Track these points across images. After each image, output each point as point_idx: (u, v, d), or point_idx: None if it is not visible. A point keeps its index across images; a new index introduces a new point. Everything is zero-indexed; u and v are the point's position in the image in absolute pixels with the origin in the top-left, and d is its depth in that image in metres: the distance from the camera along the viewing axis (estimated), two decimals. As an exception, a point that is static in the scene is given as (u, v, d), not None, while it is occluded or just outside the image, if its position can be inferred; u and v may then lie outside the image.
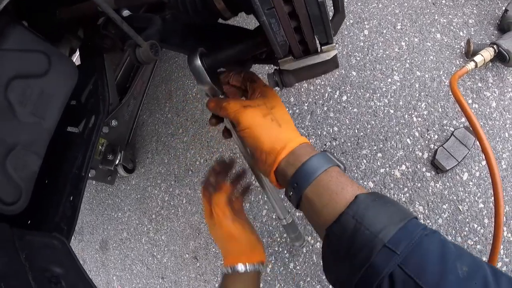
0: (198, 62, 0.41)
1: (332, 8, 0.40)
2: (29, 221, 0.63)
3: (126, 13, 0.74)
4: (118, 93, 1.03)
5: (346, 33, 1.01)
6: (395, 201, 0.33)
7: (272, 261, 0.88)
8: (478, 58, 0.81)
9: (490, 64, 0.87)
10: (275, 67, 0.42)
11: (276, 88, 0.44)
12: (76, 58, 0.99)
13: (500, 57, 0.83)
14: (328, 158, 0.36)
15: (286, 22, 0.34)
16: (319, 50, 0.37)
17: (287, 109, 1.00)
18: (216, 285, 0.92)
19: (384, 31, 0.98)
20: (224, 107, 0.40)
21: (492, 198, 0.74)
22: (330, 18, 0.39)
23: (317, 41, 0.37)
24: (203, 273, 0.95)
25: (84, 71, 0.74)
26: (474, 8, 0.95)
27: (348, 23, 1.03)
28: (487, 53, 0.81)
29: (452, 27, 0.94)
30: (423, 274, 0.27)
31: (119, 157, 1.05)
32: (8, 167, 0.50)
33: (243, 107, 0.39)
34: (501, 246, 0.72)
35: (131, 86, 1.08)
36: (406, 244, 0.28)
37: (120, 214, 1.17)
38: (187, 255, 0.99)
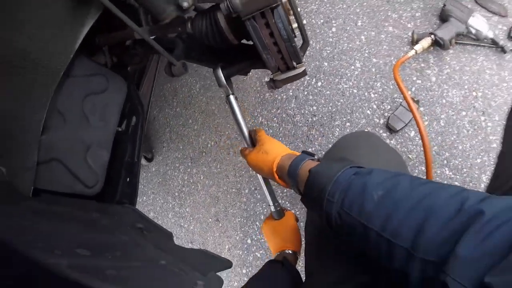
0: (220, 72, 0.66)
1: (301, 38, 0.65)
2: (100, 199, 0.82)
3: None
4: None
5: (318, 31, 1.25)
6: (340, 158, 0.51)
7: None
8: (417, 47, 1.06)
9: (432, 49, 1.12)
10: (270, 77, 0.67)
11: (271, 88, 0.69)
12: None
13: (438, 43, 1.07)
14: (305, 156, 0.52)
15: (275, 56, 0.59)
16: (295, 66, 0.63)
17: (277, 96, 1.24)
18: (237, 238, 1.18)
19: (348, 28, 1.22)
20: (241, 153, 0.64)
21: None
22: (300, 47, 0.63)
23: (294, 62, 0.62)
24: (225, 230, 1.21)
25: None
26: (421, 3, 1.17)
27: (319, 23, 1.26)
28: (425, 42, 1.06)
29: (402, 21, 1.19)
30: (352, 207, 0.37)
31: (140, 148, 1.25)
32: (88, 160, 0.65)
33: (248, 153, 0.61)
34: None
35: (140, 87, 1.26)
36: (340, 192, 0.38)
37: (144, 198, 1.40)
38: (210, 220, 1.25)
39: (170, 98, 1.44)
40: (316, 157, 0.53)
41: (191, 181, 1.31)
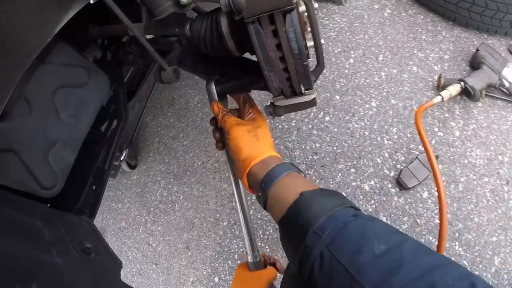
0: (213, 86, 0.56)
1: (316, 60, 0.52)
2: (56, 204, 0.74)
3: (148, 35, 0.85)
4: (124, 96, 1.13)
5: (333, 60, 1.13)
6: (338, 193, 0.40)
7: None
8: (444, 93, 0.93)
9: (458, 97, 0.99)
10: (271, 101, 0.55)
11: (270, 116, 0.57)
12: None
13: (466, 93, 0.95)
14: (290, 166, 0.45)
15: (280, 74, 0.47)
16: (303, 92, 0.51)
17: (277, 123, 1.12)
18: (204, 272, 1.04)
19: (367, 61, 1.10)
20: (224, 120, 0.52)
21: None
22: (312, 69, 0.52)
23: (302, 87, 0.50)
24: (193, 261, 1.07)
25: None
26: (451, 45, 1.07)
27: (336, 51, 1.15)
28: (454, 89, 0.94)
29: (428, 61, 1.06)
30: (342, 251, 0.32)
31: (124, 154, 1.16)
32: (50, 159, 0.59)
33: (236, 123, 0.51)
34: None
35: (137, 91, 1.18)
36: (332, 229, 0.34)
37: (120, 205, 1.29)
38: (180, 245, 1.11)
39: (166, 107, 1.35)
40: (302, 174, 0.46)
41: (170, 199, 1.19)
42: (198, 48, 0.56)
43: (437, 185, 0.76)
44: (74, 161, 0.65)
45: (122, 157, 1.17)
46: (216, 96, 0.56)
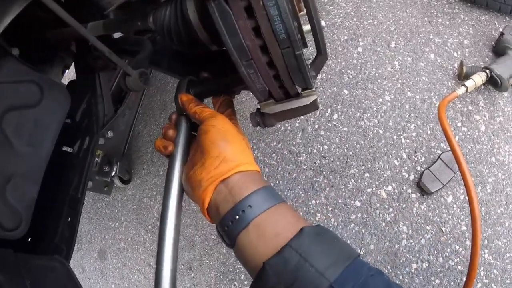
0: (185, 86, 0.45)
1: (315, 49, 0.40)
2: (30, 240, 0.66)
3: (117, 35, 0.74)
4: (113, 103, 1.02)
5: (340, 49, 1.01)
6: (338, 236, 0.33)
7: None
8: (469, 83, 0.81)
9: (482, 87, 0.88)
10: (257, 107, 0.44)
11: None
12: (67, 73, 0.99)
13: (492, 82, 0.83)
14: (277, 193, 0.36)
15: (264, 72, 0.35)
16: (300, 93, 0.39)
17: (279, 125, 1.01)
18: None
19: (378, 49, 0.98)
20: (200, 109, 0.40)
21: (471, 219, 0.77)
22: (312, 60, 0.41)
23: (297, 87, 0.38)
24: (197, 283, 0.99)
25: (79, 87, 0.75)
26: (471, 29, 0.95)
27: (342, 39, 1.03)
28: (479, 78, 0.82)
29: (446, 48, 0.94)
30: None
31: (115, 169, 1.07)
32: (8, 196, 0.52)
33: (220, 113, 0.41)
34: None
35: (126, 96, 1.09)
36: (352, 285, 0.28)
37: (117, 224, 1.20)
38: (182, 266, 1.03)
39: (158, 113, 1.24)
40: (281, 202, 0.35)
41: (167, 215, 1.10)
42: (173, 47, 0.46)
43: (468, 190, 0.66)
44: (44, 189, 0.56)
45: (114, 173, 1.07)
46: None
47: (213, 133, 0.37)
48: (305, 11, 0.39)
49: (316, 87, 0.40)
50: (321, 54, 0.40)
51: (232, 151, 0.36)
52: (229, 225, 0.33)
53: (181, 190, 0.40)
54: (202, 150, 0.37)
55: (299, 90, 0.38)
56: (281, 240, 0.31)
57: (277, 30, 0.31)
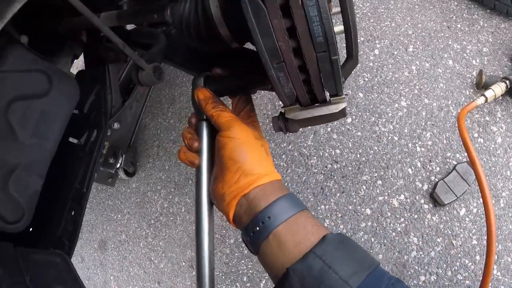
0: (201, 83, 0.43)
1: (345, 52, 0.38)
2: (31, 231, 0.64)
3: (130, 26, 0.72)
4: (121, 94, 1.00)
5: (356, 52, 0.99)
6: (359, 245, 0.34)
7: None
8: (489, 93, 0.79)
9: (500, 98, 0.85)
10: (281, 111, 0.42)
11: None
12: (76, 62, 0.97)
13: (510, 93, 0.81)
14: (298, 201, 0.36)
15: (295, 76, 0.33)
16: (328, 100, 0.37)
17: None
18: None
19: (395, 53, 0.96)
20: (217, 112, 0.38)
21: (486, 236, 0.75)
22: (341, 64, 0.38)
23: (326, 92, 0.36)
24: (198, 282, 0.97)
25: (88, 79, 0.73)
26: (490, 36, 0.92)
27: (359, 40, 1.00)
28: (499, 88, 0.80)
29: (465, 55, 0.92)
30: None
31: (120, 161, 1.05)
32: (11, 188, 0.50)
33: (237, 120, 0.38)
34: (489, 284, 0.74)
35: (135, 89, 1.06)
36: None
37: (119, 216, 1.18)
38: (183, 263, 1.01)
39: (166, 107, 1.22)
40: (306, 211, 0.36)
41: (171, 211, 1.08)
42: (184, 36, 0.43)
43: (485, 204, 0.64)
44: (48, 181, 0.55)
45: (119, 165, 1.06)
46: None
47: (231, 147, 0.36)
48: (333, 10, 0.37)
49: (346, 94, 0.38)
50: (352, 58, 0.37)
51: (250, 163, 0.36)
52: (251, 235, 0.35)
53: (211, 202, 0.41)
54: (222, 165, 0.37)
55: (328, 96, 0.36)
56: (302, 249, 0.31)
57: (314, 32, 0.29)
